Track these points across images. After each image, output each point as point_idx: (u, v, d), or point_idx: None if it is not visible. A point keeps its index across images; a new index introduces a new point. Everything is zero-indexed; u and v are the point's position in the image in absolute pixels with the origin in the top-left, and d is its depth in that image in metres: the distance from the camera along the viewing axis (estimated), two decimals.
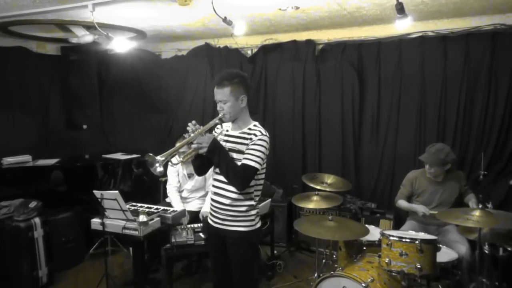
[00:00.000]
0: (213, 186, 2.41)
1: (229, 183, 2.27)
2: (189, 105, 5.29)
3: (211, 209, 2.45)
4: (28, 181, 4.29)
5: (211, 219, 2.45)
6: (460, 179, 3.43)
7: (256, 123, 2.38)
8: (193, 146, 2.20)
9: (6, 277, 3.58)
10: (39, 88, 5.00)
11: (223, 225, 2.35)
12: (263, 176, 2.38)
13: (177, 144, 2.28)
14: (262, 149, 2.24)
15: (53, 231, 3.84)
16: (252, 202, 2.34)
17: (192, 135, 2.20)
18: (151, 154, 2.11)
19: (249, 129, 2.32)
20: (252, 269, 2.42)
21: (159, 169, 2.11)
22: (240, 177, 2.21)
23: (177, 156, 2.07)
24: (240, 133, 2.33)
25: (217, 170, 2.35)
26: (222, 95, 2.25)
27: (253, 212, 2.34)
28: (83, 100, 4.98)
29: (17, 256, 3.56)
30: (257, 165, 2.21)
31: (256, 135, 2.26)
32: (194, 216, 3.68)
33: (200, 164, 2.39)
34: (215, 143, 2.20)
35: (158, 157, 2.10)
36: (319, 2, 3.38)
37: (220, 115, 2.30)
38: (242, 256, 2.35)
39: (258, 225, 2.39)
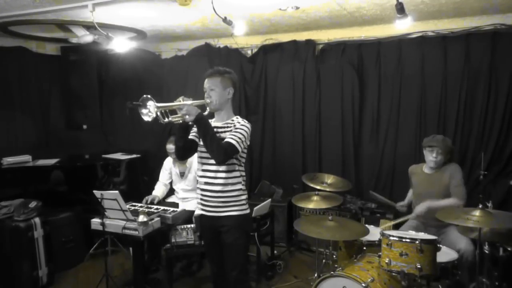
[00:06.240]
0: (201, 177, 2.50)
1: (210, 155, 2.36)
2: None
3: (201, 199, 2.52)
4: (28, 181, 4.30)
5: (203, 209, 2.52)
6: (450, 172, 3.28)
7: (238, 116, 2.53)
8: (182, 112, 2.30)
9: (6, 277, 3.58)
10: (39, 88, 4.99)
11: (216, 212, 2.46)
12: (244, 160, 2.51)
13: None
14: (244, 133, 2.39)
15: (53, 231, 3.84)
16: (241, 187, 2.48)
17: (182, 102, 2.33)
18: (149, 96, 2.25)
19: (232, 120, 2.50)
20: (244, 256, 2.56)
21: (145, 111, 2.29)
22: (221, 150, 2.31)
23: (163, 117, 2.22)
24: (223, 123, 2.50)
25: (203, 159, 2.47)
26: (211, 83, 2.45)
27: (243, 197, 2.50)
28: (83, 100, 4.98)
29: (17, 256, 3.56)
30: (237, 145, 2.34)
31: (239, 122, 2.45)
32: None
33: (183, 145, 2.48)
34: (202, 115, 2.32)
35: (154, 102, 2.23)
36: (319, 2, 3.38)
37: (207, 101, 2.45)
38: (234, 243, 2.45)
39: (248, 211, 2.55)
